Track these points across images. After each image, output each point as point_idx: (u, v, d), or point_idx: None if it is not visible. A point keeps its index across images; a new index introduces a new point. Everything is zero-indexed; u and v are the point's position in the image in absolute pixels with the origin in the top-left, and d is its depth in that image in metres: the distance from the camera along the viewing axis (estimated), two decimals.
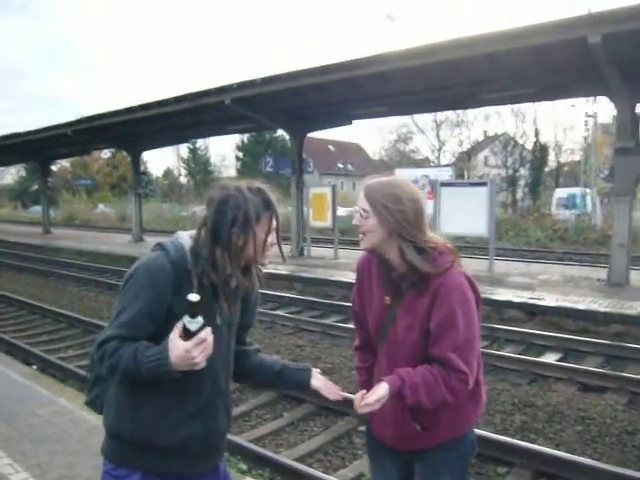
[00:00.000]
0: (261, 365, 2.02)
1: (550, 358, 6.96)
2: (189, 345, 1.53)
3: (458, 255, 1.96)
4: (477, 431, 4.62)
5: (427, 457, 2.02)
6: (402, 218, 1.86)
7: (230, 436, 4.56)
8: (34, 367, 6.59)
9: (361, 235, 1.95)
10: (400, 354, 1.97)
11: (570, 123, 56.47)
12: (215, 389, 1.80)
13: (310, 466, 4.26)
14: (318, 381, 1.99)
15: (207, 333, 1.56)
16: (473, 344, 1.88)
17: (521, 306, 8.97)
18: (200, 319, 1.54)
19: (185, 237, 1.76)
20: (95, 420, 4.20)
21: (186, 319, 1.54)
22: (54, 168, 48.95)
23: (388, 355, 2.02)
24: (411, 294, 1.91)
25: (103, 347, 1.63)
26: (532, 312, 8.87)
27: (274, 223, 1.76)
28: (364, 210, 1.92)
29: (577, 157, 38.67)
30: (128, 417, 1.72)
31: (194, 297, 1.51)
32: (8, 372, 5.53)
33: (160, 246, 1.73)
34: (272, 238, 1.76)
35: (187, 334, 1.54)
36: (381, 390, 1.80)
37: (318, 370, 2.04)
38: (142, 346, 1.59)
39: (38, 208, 39.39)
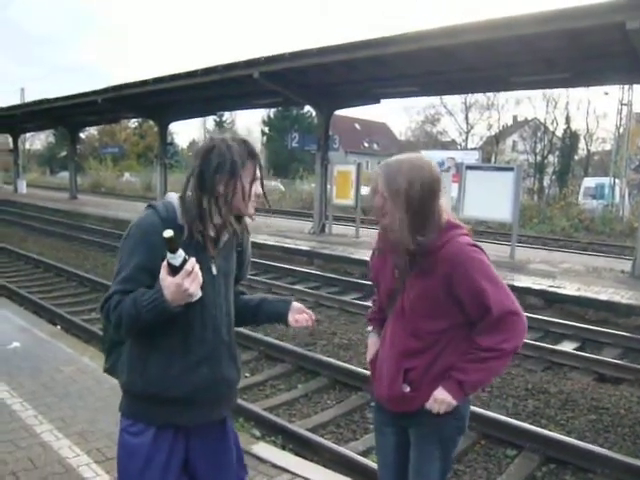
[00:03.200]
0: (244, 303, 2.09)
1: (567, 347, 6.93)
2: (178, 279, 1.62)
3: (467, 229, 2.04)
4: (488, 413, 4.68)
5: (418, 423, 2.09)
6: (412, 203, 1.92)
7: (245, 403, 4.68)
8: (59, 327, 6.77)
9: (382, 213, 2.01)
10: (405, 324, 2.05)
11: (603, 111, 55.15)
12: (217, 337, 1.88)
13: (322, 437, 4.35)
14: (294, 321, 2.04)
15: (192, 264, 1.64)
16: (509, 299, 1.97)
17: (541, 293, 8.91)
18: (181, 252, 1.62)
19: (174, 196, 1.85)
20: (116, 380, 4.33)
21: (168, 256, 1.61)
22: (82, 135, 49.43)
23: (394, 324, 2.11)
24: (420, 268, 1.99)
25: (107, 303, 1.74)
26: (551, 300, 8.82)
27: (258, 172, 1.82)
28: (379, 191, 1.98)
29: (608, 146, 37.90)
30: (138, 371, 1.82)
31: (168, 233, 1.58)
32: (35, 330, 5.72)
33: (150, 206, 1.83)
34: (256, 188, 1.82)
35: (173, 270, 1.62)
36: (443, 402, 1.99)
37: (298, 305, 2.07)
38: (139, 292, 1.69)
39: (65, 174, 39.82)
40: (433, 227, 1.96)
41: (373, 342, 2.27)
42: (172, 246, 1.60)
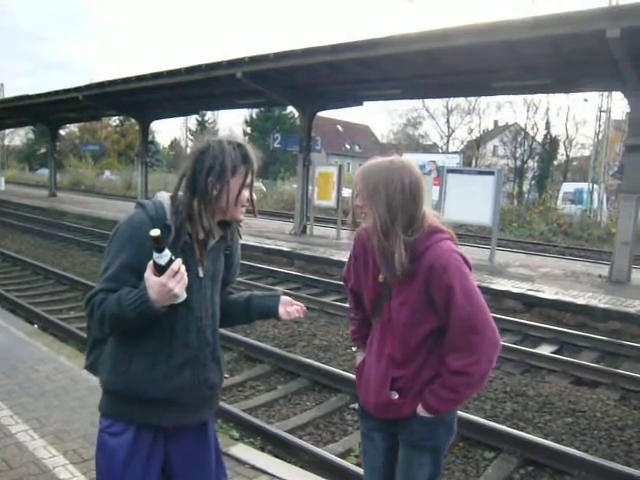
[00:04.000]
0: (232, 302, 2.07)
1: (545, 350, 7.00)
2: (163, 279, 1.60)
3: (451, 234, 2.00)
4: (467, 415, 4.71)
5: (407, 430, 2.08)
6: (392, 203, 1.89)
7: (224, 404, 4.65)
8: (35, 326, 6.67)
9: (362, 214, 1.99)
10: (392, 332, 2.02)
11: (582, 117, 56.07)
12: (202, 340, 1.86)
13: (301, 438, 4.34)
14: (285, 313, 2.02)
15: (177, 264, 1.62)
16: (477, 316, 1.88)
17: (519, 297, 9.00)
18: (167, 252, 1.60)
19: (165, 196, 1.83)
20: (93, 380, 4.24)
21: (154, 255, 1.60)
22: (62, 132, 48.86)
23: (380, 332, 2.08)
24: (394, 277, 1.95)
25: (91, 301, 1.72)
26: (530, 304, 8.91)
27: (249, 178, 1.80)
28: (359, 192, 1.97)
29: (587, 152, 38.44)
30: (120, 371, 1.79)
31: (155, 232, 1.57)
32: (11, 329, 5.64)
33: (140, 204, 1.81)
34: (246, 193, 1.81)
35: (159, 269, 1.60)
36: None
37: (287, 298, 2.05)
38: (124, 292, 1.67)
39: (44, 171, 39.46)
40: (418, 228, 1.93)
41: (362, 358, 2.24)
42: (158, 245, 1.58)
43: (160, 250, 1.59)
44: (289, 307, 2.02)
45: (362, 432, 2.30)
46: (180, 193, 1.77)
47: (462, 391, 1.94)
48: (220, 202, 1.75)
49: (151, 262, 1.61)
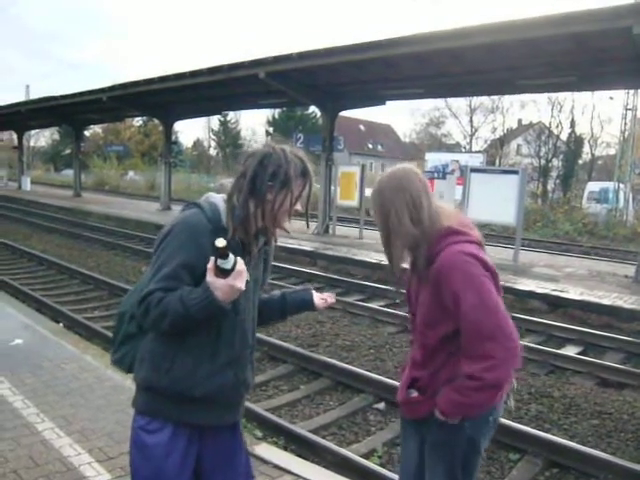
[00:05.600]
0: (265, 302, 2.10)
1: (570, 351, 6.91)
2: (230, 281, 1.65)
3: (474, 236, 1.99)
4: None
5: (427, 429, 2.07)
6: (391, 217, 1.96)
7: (247, 404, 4.67)
8: (61, 324, 6.77)
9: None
10: (415, 334, 2.10)
11: (608, 115, 55.22)
12: (244, 342, 1.90)
13: (324, 438, 4.34)
14: (321, 302, 2.17)
15: (242, 265, 1.67)
16: (485, 322, 1.83)
17: (544, 297, 8.90)
18: (232, 256, 1.64)
19: (217, 197, 1.84)
20: (119, 378, 4.33)
21: (219, 262, 1.63)
22: (87, 133, 49.50)
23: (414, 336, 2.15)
24: (418, 279, 2.02)
25: (147, 300, 1.71)
26: (555, 304, 8.80)
27: (306, 191, 1.83)
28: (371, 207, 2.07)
29: (612, 151, 37.84)
30: (164, 369, 1.79)
31: (221, 242, 1.60)
32: (37, 327, 5.72)
33: (195, 205, 1.82)
34: (298, 206, 1.83)
35: (224, 272, 1.64)
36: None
37: (315, 292, 2.19)
38: (185, 292, 1.68)
39: (69, 172, 40.03)
40: (428, 232, 1.94)
41: None
42: (225, 253, 1.62)
43: (225, 256, 1.62)
44: (322, 296, 2.13)
45: (401, 428, 2.34)
46: (236, 195, 1.77)
47: (471, 395, 1.86)
48: (274, 209, 1.77)
49: (210, 265, 1.65)
